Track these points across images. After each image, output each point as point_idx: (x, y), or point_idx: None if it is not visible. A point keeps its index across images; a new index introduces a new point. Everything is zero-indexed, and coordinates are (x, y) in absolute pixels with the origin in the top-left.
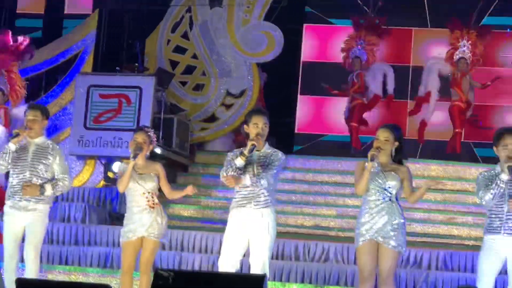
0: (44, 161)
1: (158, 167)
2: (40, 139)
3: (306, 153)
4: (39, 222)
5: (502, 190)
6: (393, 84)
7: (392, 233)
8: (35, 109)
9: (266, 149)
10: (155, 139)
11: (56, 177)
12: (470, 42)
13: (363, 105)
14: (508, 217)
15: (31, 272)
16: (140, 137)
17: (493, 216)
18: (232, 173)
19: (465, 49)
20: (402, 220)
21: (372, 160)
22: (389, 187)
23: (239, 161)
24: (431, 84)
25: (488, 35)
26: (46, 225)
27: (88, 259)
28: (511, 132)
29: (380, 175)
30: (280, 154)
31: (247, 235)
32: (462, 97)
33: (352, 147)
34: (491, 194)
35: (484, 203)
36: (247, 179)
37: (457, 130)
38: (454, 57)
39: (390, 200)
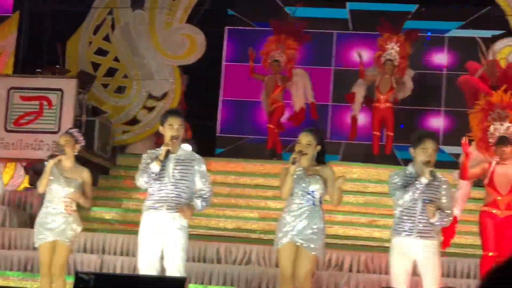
0: None
1: (86, 175)
2: None
3: (228, 156)
4: None
5: (419, 193)
6: (312, 95)
7: (311, 237)
8: None
9: (183, 151)
10: (81, 138)
11: None
12: (398, 44)
13: (283, 109)
14: (420, 220)
15: None
16: (62, 139)
17: (405, 218)
18: (147, 179)
19: (392, 51)
20: (322, 225)
21: (293, 163)
22: (313, 191)
23: (155, 166)
24: (357, 86)
25: (417, 38)
26: None
27: (8, 263)
28: (431, 136)
29: (304, 179)
30: (201, 161)
31: (161, 238)
32: (389, 100)
33: (268, 149)
34: (409, 196)
35: (400, 203)
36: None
37: (388, 133)
38: (382, 59)
39: (313, 204)
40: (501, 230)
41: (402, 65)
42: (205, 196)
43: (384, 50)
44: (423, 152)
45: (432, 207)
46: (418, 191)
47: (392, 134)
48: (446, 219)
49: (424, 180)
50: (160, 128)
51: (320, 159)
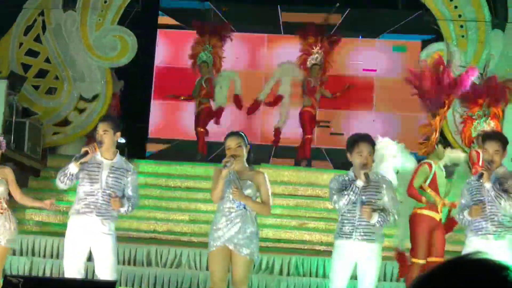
0: None
1: (7, 171)
2: None
3: (159, 158)
4: None
5: (356, 196)
6: (240, 90)
7: (244, 241)
8: None
9: (119, 159)
10: (3, 144)
11: None
12: (323, 49)
13: (210, 110)
14: (360, 223)
15: None
16: None
17: (345, 221)
18: (65, 179)
19: (317, 55)
20: (255, 229)
21: (225, 167)
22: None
23: (73, 168)
24: (283, 88)
25: (340, 42)
26: None
27: None
28: (364, 139)
29: (236, 183)
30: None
31: (89, 243)
32: (314, 104)
33: (198, 153)
34: (346, 200)
35: (337, 207)
36: None
37: (308, 136)
38: (308, 63)
39: (245, 208)
40: (436, 233)
41: (326, 69)
42: (133, 201)
43: (309, 54)
44: (359, 156)
45: (367, 209)
46: (355, 195)
47: (311, 136)
48: (388, 219)
49: (359, 183)
50: (96, 133)
51: (250, 162)
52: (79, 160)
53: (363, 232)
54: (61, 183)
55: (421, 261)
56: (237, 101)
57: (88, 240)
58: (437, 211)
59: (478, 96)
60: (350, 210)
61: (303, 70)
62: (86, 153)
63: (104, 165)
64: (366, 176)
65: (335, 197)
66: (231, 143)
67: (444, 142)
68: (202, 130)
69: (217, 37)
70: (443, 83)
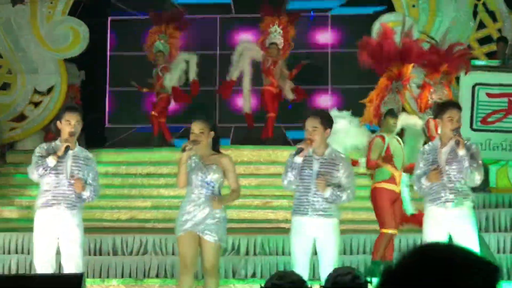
0: None
1: None
2: None
3: (118, 146)
4: None
5: (295, 173)
6: (195, 70)
7: (213, 226)
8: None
9: (79, 148)
10: None
11: None
12: (281, 27)
13: (169, 100)
14: (315, 198)
15: None
16: None
17: (302, 197)
18: (42, 172)
19: (276, 34)
20: (224, 214)
21: (183, 150)
22: (211, 181)
23: (51, 161)
24: (242, 69)
25: (298, 19)
26: None
27: None
28: (311, 115)
29: (201, 169)
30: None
31: (56, 235)
32: (273, 83)
33: (154, 137)
34: (286, 178)
35: (284, 183)
36: None
37: (270, 114)
38: (266, 43)
39: (212, 193)
40: (397, 206)
41: (286, 47)
42: (94, 189)
43: (267, 34)
44: (306, 131)
45: (321, 181)
46: (293, 170)
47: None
48: (342, 195)
49: (297, 159)
50: (58, 123)
51: (215, 147)
52: (61, 154)
53: (318, 208)
54: (40, 176)
55: (391, 231)
56: (194, 86)
57: (56, 232)
58: (395, 184)
59: (439, 64)
60: (305, 186)
61: (262, 51)
62: (68, 148)
63: (67, 155)
64: (299, 151)
65: (282, 176)
66: (195, 128)
67: (391, 114)
68: (156, 115)
69: (173, 26)
70: (384, 50)
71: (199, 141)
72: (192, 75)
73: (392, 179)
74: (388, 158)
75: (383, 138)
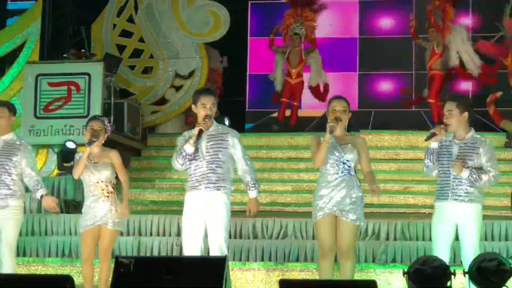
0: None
1: (113, 155)
2: (9, 136)
3: (258, 131)
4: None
5: (432, 157)
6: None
7: (350, 207)
8: (1, 106)
9: (215, 128)
10: (109, 127)
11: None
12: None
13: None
14: (455, 183)
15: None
16: (96, 125)
17: (443, 182)
18: (182, 161)
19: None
20: (361, 194)
21: (331, 132)
22: (347, 160)
23: (188, 148)
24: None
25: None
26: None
27: (46, 249)
28: (448, 99)
29: (337, 148)
30: (233, 134)
31: (203, 217)
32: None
33: (279, 120)
34: (425, 163)
35: (425, 173)
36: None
37: (431, 100)
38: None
39: (349, 173)
40: None
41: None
42: (253, 180)
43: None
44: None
45: (456, 162)
46: (431, 156)
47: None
48: (482, 177)
49: (433, 144)
50: (193, 107)
51: (350, 128)
52: (196, 139)
53: (460, 194)
54: (181, 165)
55: None
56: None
57: (202, 214)
58: None
59: None
60: (445, 171)
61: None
62: (201, 131)
63: (202, 137)
64: (432, 135)
65: (423, 164)
66: (338, 105)
67: None
68: (285, 100)
69: (309, 9)
70: None
71: (341, 119)
72: (324, 78)
73: None
74: None
75: None
